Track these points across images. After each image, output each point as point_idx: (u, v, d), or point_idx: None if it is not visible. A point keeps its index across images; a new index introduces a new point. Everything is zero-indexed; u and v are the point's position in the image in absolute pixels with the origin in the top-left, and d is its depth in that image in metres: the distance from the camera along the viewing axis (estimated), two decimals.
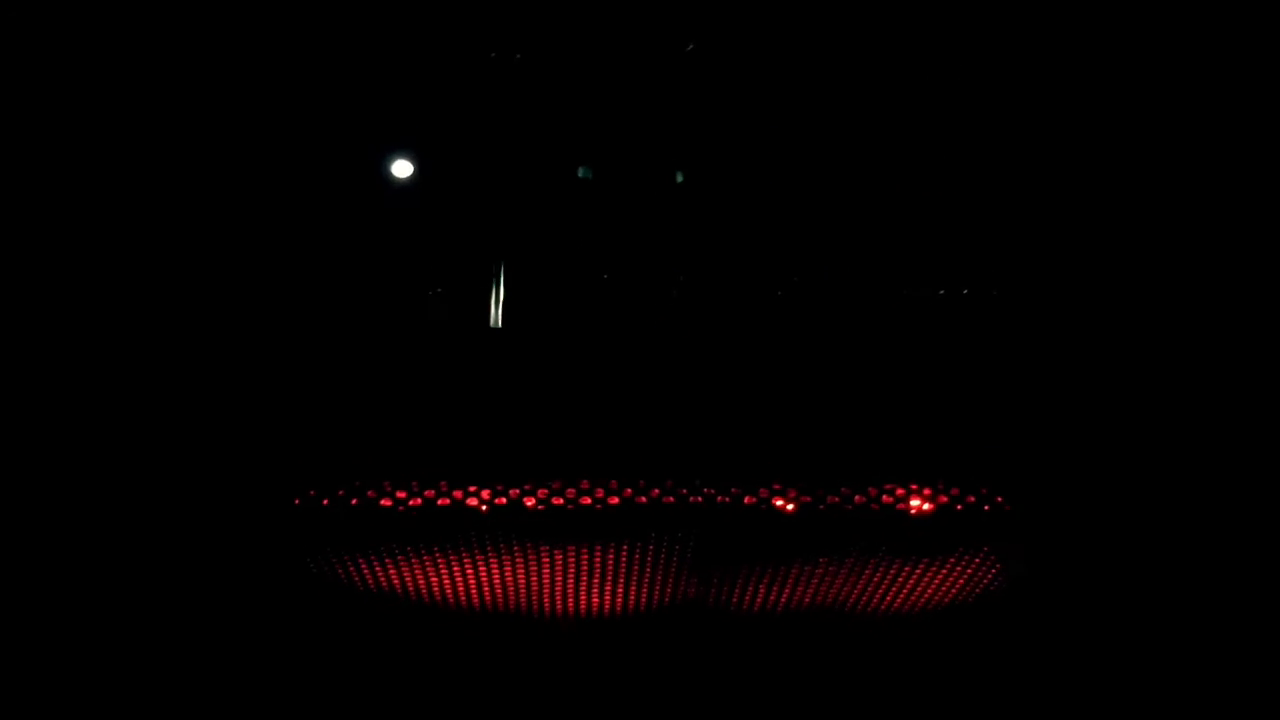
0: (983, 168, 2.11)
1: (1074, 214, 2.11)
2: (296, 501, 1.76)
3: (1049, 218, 2.11)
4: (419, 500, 1.77)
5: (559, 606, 2.02)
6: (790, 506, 1.82)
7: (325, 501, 1.77)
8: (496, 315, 1.86)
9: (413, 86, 1.96)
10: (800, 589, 1.98)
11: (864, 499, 1.82)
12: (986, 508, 1.85)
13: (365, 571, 1.93)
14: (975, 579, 2.04)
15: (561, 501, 1.78)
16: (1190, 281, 2.07)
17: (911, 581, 2.00)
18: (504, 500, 1.78)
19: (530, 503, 1.78)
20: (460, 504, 1.77)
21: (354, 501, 1.77)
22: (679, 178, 1.98)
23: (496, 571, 1.91)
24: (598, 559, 1.87)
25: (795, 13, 2.03)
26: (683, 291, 1.86)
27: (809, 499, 1.81)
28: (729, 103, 2.05)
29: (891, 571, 1.94)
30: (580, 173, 1.94)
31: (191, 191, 1.92)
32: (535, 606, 2.02)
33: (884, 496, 1.83)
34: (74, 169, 1.93)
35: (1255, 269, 2.06)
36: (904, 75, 2.07)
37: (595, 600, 2.00)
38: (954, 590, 2.06)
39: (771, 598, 2.02)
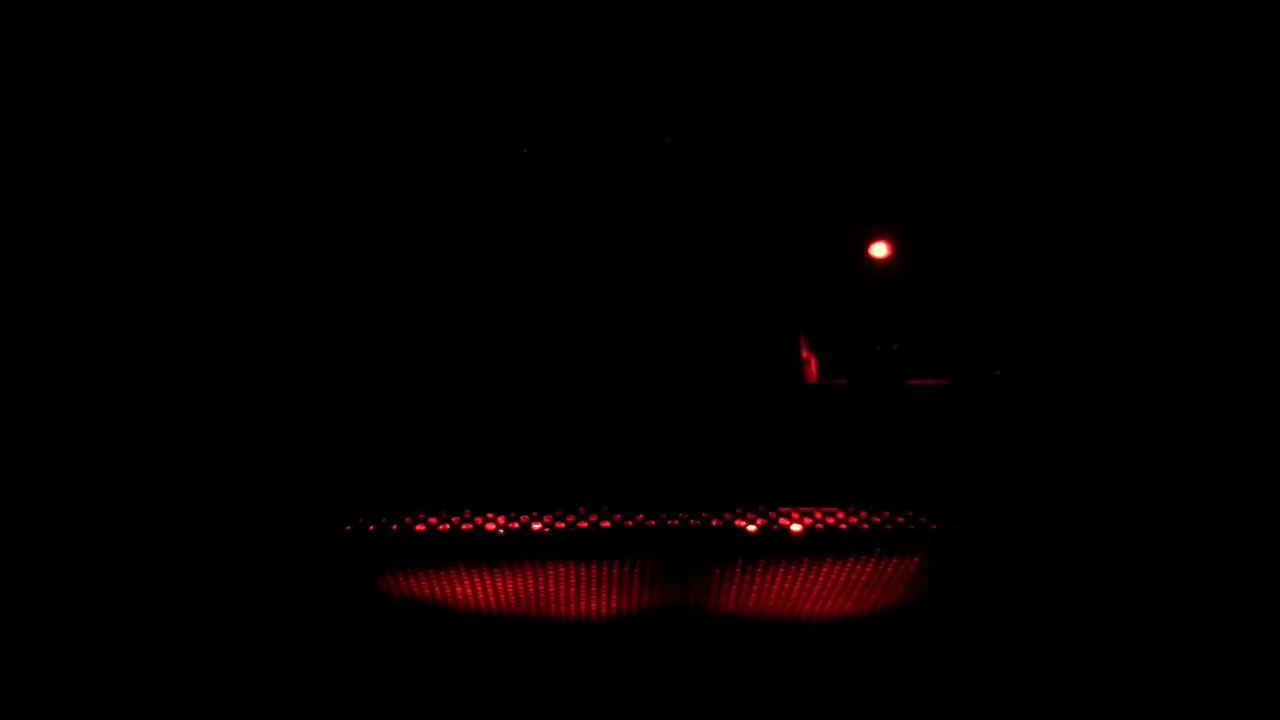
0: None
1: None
2: (349, 528, 2.14)
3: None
4: (447, 525, 2.13)
5: (562, 611, 2.38)
6: (751, 527, 2.18)
7: (372, 527, 2.13)
8: (510, 371, 2.21)
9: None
10: (762, 594, 2.34)
11: (811, 520, 2.19)
12: (913, 528, 2.20)
13: (402, 583, 2.29)
14: (913, 582, 2.39)
15: (563, 525, 2.12)
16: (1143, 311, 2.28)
17: (856, 585, 2.36)
18: (516, 524, 2.12)
19: (537, 526, 2.14)
20: (480, 528, 2.13)
21: (395, 527, 2.14)
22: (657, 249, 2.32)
23: (510, 582, 2.27)
24: (593, 572, 2.23)
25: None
26: (652, 356, 2.20)
27: (765, 521, 2.17)
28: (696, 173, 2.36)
29: (834, 578, 2.30)
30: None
31: (266, 247, 2.21)
32: (543, 611, 2.38)
33: (828, 518, 2.20)
34: (176, 214, 2.16)
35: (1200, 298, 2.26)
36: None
37: (593, 605, 2.36)
38: (895, 593, 2.41)
39: (740, 602, 2.38)
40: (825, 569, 2.29)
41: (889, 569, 2.30)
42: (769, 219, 2.32)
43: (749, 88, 2.28)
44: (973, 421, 2.29)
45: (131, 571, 2.23)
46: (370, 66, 2.17)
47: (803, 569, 2.28)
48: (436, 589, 2.30)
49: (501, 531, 2.14)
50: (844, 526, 2.20)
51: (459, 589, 2.29)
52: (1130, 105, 2.24)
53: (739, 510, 2.17)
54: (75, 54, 2.09)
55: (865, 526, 2.19)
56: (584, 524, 2.14)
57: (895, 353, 2.30)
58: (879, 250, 2.30)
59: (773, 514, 2.16)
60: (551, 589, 2.31)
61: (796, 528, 2.18)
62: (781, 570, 2.28)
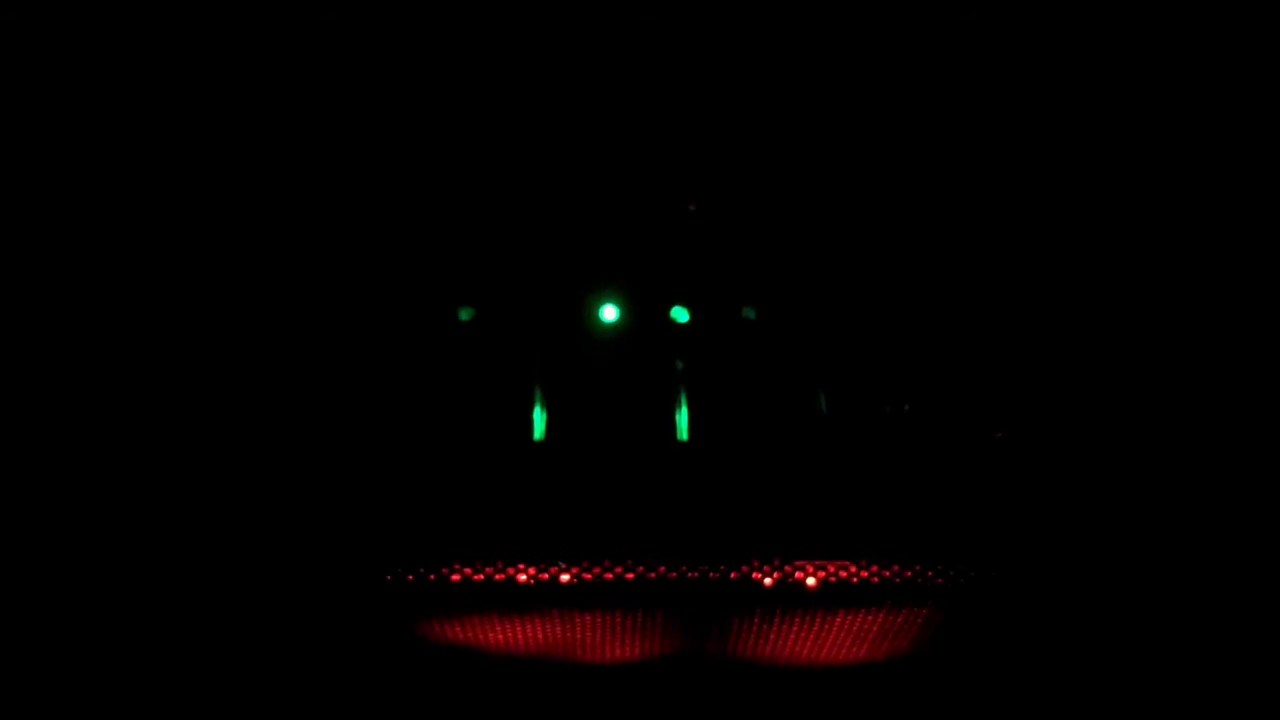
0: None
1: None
2: (389, 577, 2.27)
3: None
4: (481, 576, 2.26)
5: (587, 656, 2.50)
6: (768, 581, 2.30)
7: (410, 577, 2.27)
8: (540, 431, 2.36)
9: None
10: (777, 642, 2.45)
11: (825, 574, 2.30)
12: (923, 581, 2.31)
13: (437, 628, 2.42)
14: (925, 632, 2.49)
15: (589, 577, 2.26)
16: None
17: (870, 635, 2.47)
18: (545, 576, 2.26)
19: (565, 578, 2.27)
20: (512, 579, 2.26)
21: (432, 577, 2.27)
22: (680, 317, 2.46)
23: (539, 629, 2.39)
24: (617, 620, 2.35)
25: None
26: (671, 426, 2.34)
27: (781, 574, 2.29)
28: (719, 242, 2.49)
29: (848, 628, 2.41)
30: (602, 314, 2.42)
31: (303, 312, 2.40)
32: (568, 656, 2.50)
33: (841, 572, 2.31)
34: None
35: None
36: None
37: (616, 651, 2.48)
38: (908, 641, 2.51)
39: (756, 650, 2.50)
40: (839, 620, 2.40)
41: (901, 620, 2.40)
42: (785, 277, 2.45)
43: (765, 140, 2.40)
44: (982, 477, 2.40)
45: (176, 617, 2.38)
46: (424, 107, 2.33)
47: (817, 619, 2.39)
48: (469, 634, 2.43)
49: (532, 582, 2.27)
50: (856, 580, 2.31)
51: (490, 635, 2.42)
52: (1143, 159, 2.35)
53: (755, 564, 2.29)
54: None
55: (877, 580, 2.30)
56: (609, 575, 2.26)
57: (907, 412, 2.41)
58: (891, 310, 2.42)
59: (788, 568, 2.27)
60: (577, 636, 2.43)
61: (811, 581, 2.30)
62: (796, 620, 2.39)
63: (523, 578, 2.26)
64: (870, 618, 2.39)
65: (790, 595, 2.31)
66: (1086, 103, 2.36)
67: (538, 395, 2.38)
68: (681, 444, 2.36)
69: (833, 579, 2.30)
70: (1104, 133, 2.37)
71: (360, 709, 2.64)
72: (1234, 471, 2.39)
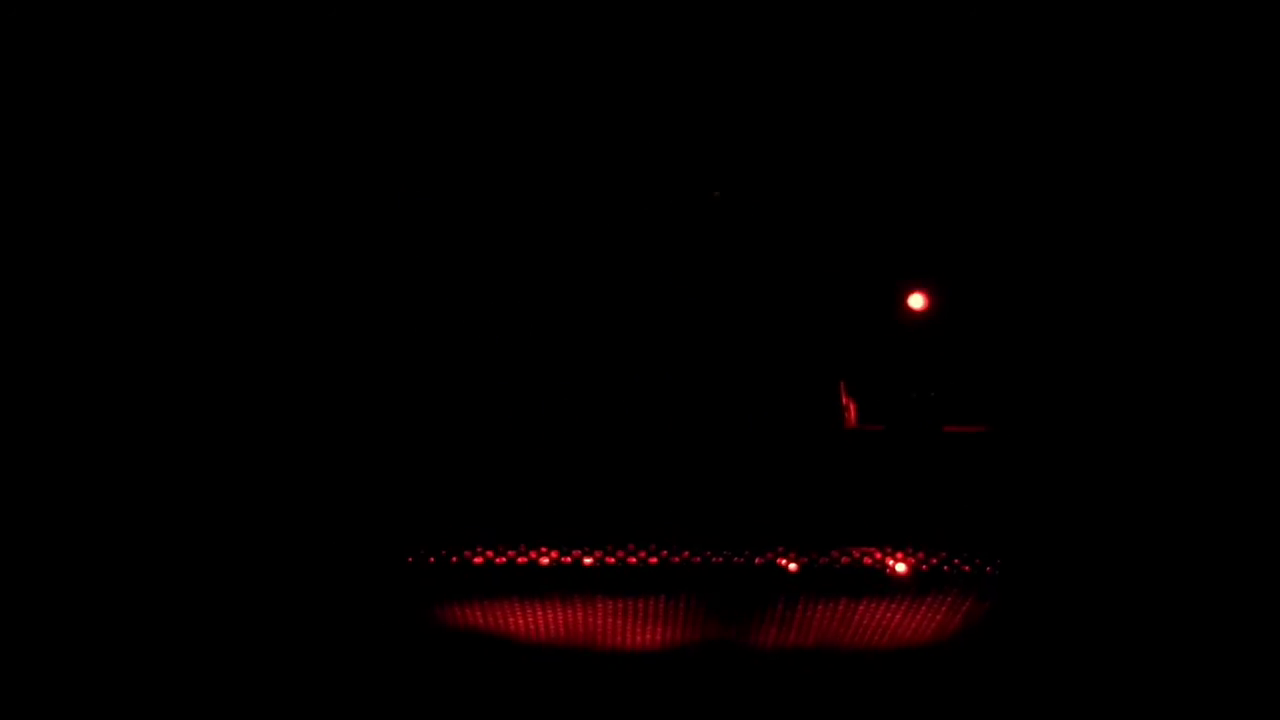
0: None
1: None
2: (410, 560, 2.26)
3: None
4: (503, 559, 2.24)
5: (609, 642, 2.48)
6: (792, 566, 2.29)
7: (432, 559, 2.26)
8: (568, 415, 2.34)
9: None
10: (803, 630, 2.44)
11: (850, 560, 2.29)
12: (947, 569, 2.30)
13: (458, 612, 2.41)
14: (947, 621, 2.47)
15: (613, 561, 2.24)
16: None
17: (893, 623, 2.45)
18: (568, 559, 2.25)
19: (588, 561, 2.26)
20: (534, 562, 2.24)
21: (454, 559, 2.26)
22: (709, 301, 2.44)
23: (561, 614, 2.38)
24: (640, 606, 2.34)
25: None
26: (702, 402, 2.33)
27: (806, 560, 2.27)
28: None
29: (872, 615, 2.40)
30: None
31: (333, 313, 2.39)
32: (591, 642, 2.49)
33: (865, 559, 2.29)
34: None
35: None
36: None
37: (638, 638, 2.47)
38: (933, 627, 2.49)
39: (780, 638, 2.48)
40: (862, 607, 2.38)
41: (924, 609, 2.38)
42: (811, 270, 2.43)
43: (792, 145, 2.40)
44: (1008, 466, 2.38)
45: (197, 601, 2.37)
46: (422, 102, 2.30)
47: (840, 607, 2.38)
48: (490, 619, 2.42)
49: (554, 565, 2.25)
50: (882, 567, 2.29)
51: (511, 620, 2.41)
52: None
53: (780, 550, 2.27)
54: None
55: (902, 568, 2.28)
56: (632, 560, 2.25)
57: (932, 400, 2.39)
58: (916, 301, 2.40)
59: (814, 553, 2.25)
60: (599, 621, 2.42)
61: (836, 567, 2.28)
62: (820, 608, 2.38)
63: (545, 561, 2.24)
64: (895, 606, 2.38)
65: (814, 582, 2.29)
66: (1101, 87, 2.35)
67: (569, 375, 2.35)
68: (709, 428, 2.33)
69: (858, 566, 2.28)
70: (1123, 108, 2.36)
71: (381, 694, 2.63)
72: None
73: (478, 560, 2.25)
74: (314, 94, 2.27)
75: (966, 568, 2.30)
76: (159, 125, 2.27)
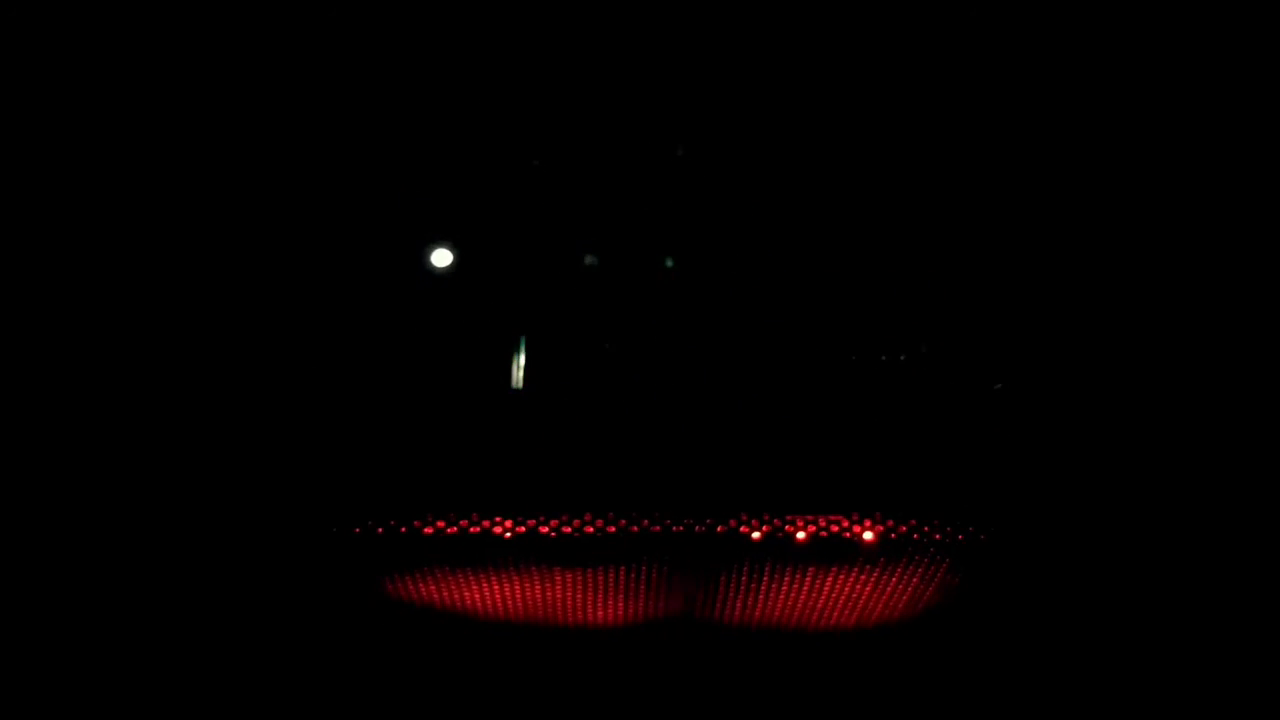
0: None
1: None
2: (357, 530, 2.16)
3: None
4: (455, 529, 2.16)
5: (569, 618, 2.39)
6: (756, 535, 2.20)
7: (380, 530, 2.16)
8: (519, 378, 2.26)
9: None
10: (767, 603, 2.35)
11: (815, 528, 2.20)
12: (916, 537, 2.22)
13: (410, 587, 2.32)
14: (918, 595, 2.39)
15: (570, 530, 2.16)
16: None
17: (862, 596, 2.37)
18: (524, 529, 2.15)
19: (544, 530, 2.17)
20: (488, 531, 2.15)
21: (403, 530, 2.17)
22: (668, 263, 2.37)
23: (517, 588, 2.29)
24: (600, 577, 2.25)
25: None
26: (662, 364, 2.25)
27: (769, 528, 2.19)
28: (715, 197, 2.41)
29: (840, 588, 2.31)
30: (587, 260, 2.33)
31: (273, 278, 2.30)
32: (549, 618, 2.40)
33: (832, 526, 2.21)
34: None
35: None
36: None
37: (599, 613, 2.38)
38: (904, 602, 2.41)
39: (746, 613, 2.39)
40: (830, 578, 2.30)
41: (895, 579, 2.30)
42: (780, 233, 2.37)
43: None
44: (981, 432, 2.31)
45: (136, 573, 2.27)
46: (377, 72, 2.25)
47: (808, 578, 2.29)
48: (443, 594, 2.33)
49: (509, 535, 2.16)
50: (848, 535, 2.21)
51: (466, 594, 2.32)
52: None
53: (744, 517, 2.19)
54: (75, 54, 2.14)
55: (870, 535, 2.21)
56: (590, 529, 2.16)
57: (903, 363, 2.32)
58: (887, 260, 2.33)
59: (778, 521, 2.17)
60: (558, 595, 2.33)
61: (801, 535, 2.20)
62: (787, 579, 2.29)
63: (499, 530, 2.15)
64: (864, 578, 2.30)
65: (780, 550, 2.21)
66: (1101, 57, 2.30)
67: (518, 342, 2.28)
68: (666, 393, 2.25)
69: (824, 534, 2.20)
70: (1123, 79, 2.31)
71: (329, 674, 2.53)
72: (1267, 433, 2.31)
73: (428, 530, 2.15)
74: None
75: (937, 535, 2.22)
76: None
